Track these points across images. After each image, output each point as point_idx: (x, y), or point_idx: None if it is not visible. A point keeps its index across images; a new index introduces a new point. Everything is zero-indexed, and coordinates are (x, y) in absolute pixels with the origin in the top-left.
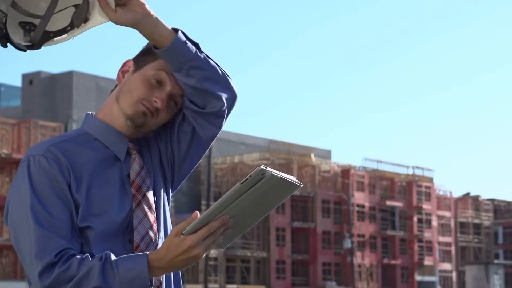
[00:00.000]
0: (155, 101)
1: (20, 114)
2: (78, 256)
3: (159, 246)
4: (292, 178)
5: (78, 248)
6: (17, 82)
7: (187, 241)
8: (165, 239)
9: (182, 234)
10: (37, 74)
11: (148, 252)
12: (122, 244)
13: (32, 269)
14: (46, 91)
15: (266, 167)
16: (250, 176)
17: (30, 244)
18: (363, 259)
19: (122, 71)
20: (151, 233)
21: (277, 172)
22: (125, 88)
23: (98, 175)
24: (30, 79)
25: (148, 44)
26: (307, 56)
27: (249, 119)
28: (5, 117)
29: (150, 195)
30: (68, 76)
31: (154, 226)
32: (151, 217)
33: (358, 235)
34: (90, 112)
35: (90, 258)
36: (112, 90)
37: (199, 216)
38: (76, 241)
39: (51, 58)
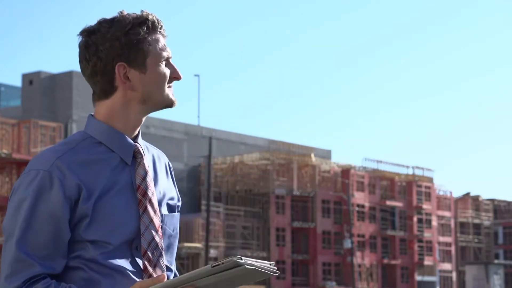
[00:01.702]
0: (174, 77)
1: (20, 114)
2: (43, 283)
3: (164, 251)
4: (268, 267)
5: (59, 267)
6: (17, 82)
7: None
8: None
9: None
10: (37, 74)
11: None
12: (130, 250)
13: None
14: (46, 91)
15: (241, 258)
16: (223, 263)
17: (5, 262)
18: (363, 259)
19: (124, 75)
20: (157, 238)
21: (252, 263)
22: (149, 87)
23: (110, 184)
24: (30, 79)
25: (108, 42)
26: (307, 56)
27: (249, 119)
28: (5, 117)
29: (155, 199)
30: (68, 76)
31: (160, 231)
32: (157, 222)
33: (358, 235)
34: (92, 114)
35: (53, 287)
36: (103, 97)
37: (165, 280)
38: (58, 262)
39: (51, 58)
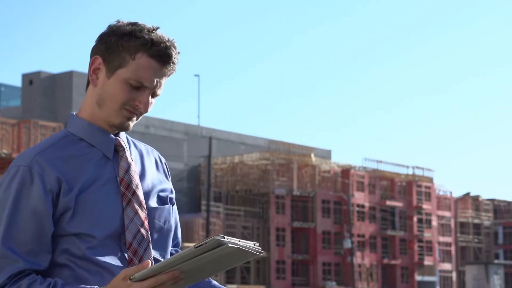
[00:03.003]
0: (137, 105)
1: (20, 114)
2: (28, 279)
3: (152, 244)
4: (252, 247)
5: (44, 263)
6: (17, 82)
7: (134, 286)
8: (113, 280)
9: (130, 280)
10: (37, 74)
11: (95, 287)
12: (119, 246)
13: None
14: (46, 91)
15: (224, 237)
16: (206, 243)
17: None
18: (363, 259)
19: (94, 70)
20: (142, 231)
21: (235, 242)
22: (104, 94)
23: (93, 178)
24: (30, 79)
25: (107, 36)
26: (307, 56)
27: (249, 119)
28: (5, 117)
29: (140, 192)
30: (68, 76)
31: (146, 223)
32: (142, 214)
33: (358, 235)
34: (74, 113)
35: (39, 283)
36: (87, 86)
37: (150, 265)
38: (43, 257)
39: (51, 58)
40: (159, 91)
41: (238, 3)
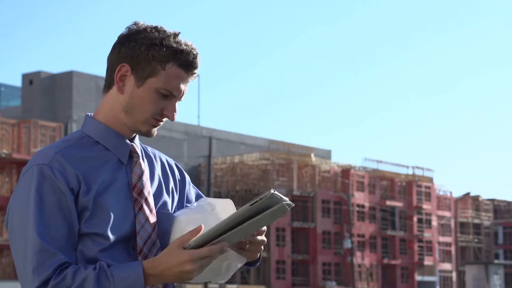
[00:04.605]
0: (165, 114)
1: (20, 114)
2: (71, 268)
3: (160, 250)
4: (288, 201)
5: (74, 259)
6: (17, 82)
7: (186, 254)
8: (167, 248)
9: (184, 248)
10: (37, 74)
11: (142, 261)
12: (127, 250)
13: (28, 283)
14: (46, 91)
15: (274, 191)
16: (260, 198)
17: (26, 256)
18: (363, 259)
19: (120, 77)
20: (153, 237)
21: (283, 197)
22: (134, 103)
23: (108, 181)
24: (30, 79)
25: (134, 43)
26: (307, 56)
27: (249, 119)
28: (5, 117)
29: (151, 198)
30: (68, 76)
31: (156, 229)
32: (152, 220)
33: (358, 235)
34: (90, 114)
35: (83, 268)
36: (106, 89)
37: (202, 230)
38: (73, 253)
39: (51, 58)
40: (183, 97)
41: (238, 3)
